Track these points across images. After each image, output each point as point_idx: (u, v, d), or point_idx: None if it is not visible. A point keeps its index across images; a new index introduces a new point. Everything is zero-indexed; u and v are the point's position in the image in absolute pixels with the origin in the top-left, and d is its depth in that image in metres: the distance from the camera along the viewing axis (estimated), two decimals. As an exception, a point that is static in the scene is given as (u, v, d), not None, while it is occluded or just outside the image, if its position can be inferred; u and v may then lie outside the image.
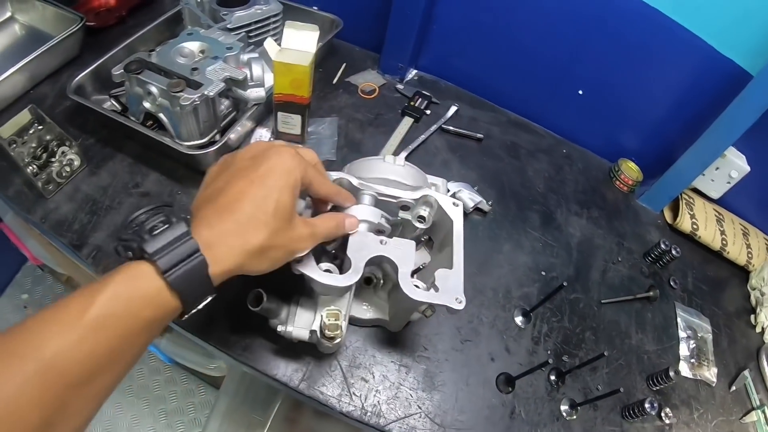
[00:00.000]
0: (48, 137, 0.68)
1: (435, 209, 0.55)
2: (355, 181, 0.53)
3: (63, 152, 0.69)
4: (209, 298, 0.36)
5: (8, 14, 0.91)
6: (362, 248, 0.48)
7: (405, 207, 0.55)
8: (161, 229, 0.34)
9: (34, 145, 0.67)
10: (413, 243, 0.50)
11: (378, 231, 0.52)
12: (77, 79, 0.73)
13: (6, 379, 0.27)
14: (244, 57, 0.70)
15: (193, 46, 0.71)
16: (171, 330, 0.92)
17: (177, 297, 0.33)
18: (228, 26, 0.77)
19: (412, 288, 0.47)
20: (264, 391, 0.80)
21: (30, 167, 0.66)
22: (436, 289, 0.48)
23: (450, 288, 0.48)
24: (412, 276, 0.53)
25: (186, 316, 0.36)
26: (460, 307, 0.47)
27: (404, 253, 0.49)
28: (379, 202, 0.54)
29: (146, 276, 0.32)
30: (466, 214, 0.72)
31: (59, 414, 0.29)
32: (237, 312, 0.58)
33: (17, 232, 1.15)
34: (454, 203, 0.54)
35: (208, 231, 0.35)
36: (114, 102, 0.77)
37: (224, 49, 0.69)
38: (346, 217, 0.48)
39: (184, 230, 0.34)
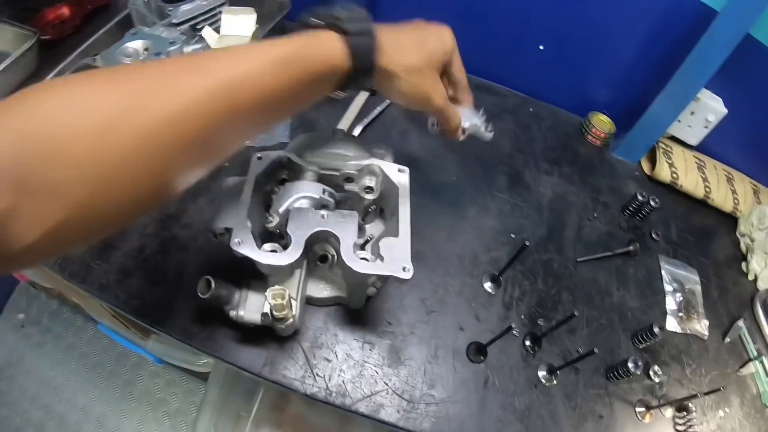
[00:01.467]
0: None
1: (381, 178, 0.53)
2: (294, 158, 0.52)
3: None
4: (368, 83, 0.42)
5: (-35, 38, 0.91)
6: (303, 224, 0.47)
7: (349, 179, 0.54)
8: (350, 12, 0.39)
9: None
10: (355, 214, 0.49)
11: (321, 206, 0.51)
12: (31, 92, 0.73)
13: (191, 82, 0.30)
14: (188, 49, 0.70)
15: (136, 44, 0.70)
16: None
17: (351, 61, 0.38)
18: (173, 21, 0.76)
19: (355, 260, 0.46)
20: (248, 381, 0.80)
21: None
22: (383, 260, 0.47)
23: (397, 257, 0.47)
24: (362, 248, 0.52)
25: (345, 90, 0.42)
26: (408, 276, 0.46)
27: (346, 226, 0.48)
28: (322, 177, 0.53)
29: (331, 37, 0.38)
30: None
31: (217, 133, 0.32)
32: (198, 303, 0.57)
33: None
34: (399, 169, 0.53)
35: (382, 34, 0.40)
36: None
37: (167, 44, 0.69)
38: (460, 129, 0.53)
39: (366, 15, 0.40)
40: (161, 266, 0.60)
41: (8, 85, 0.81)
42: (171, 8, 0.78)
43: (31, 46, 0.80)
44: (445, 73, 0.49)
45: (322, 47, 0.37)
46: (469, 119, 0.55)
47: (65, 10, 0.94)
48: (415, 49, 0.44)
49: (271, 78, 0.33)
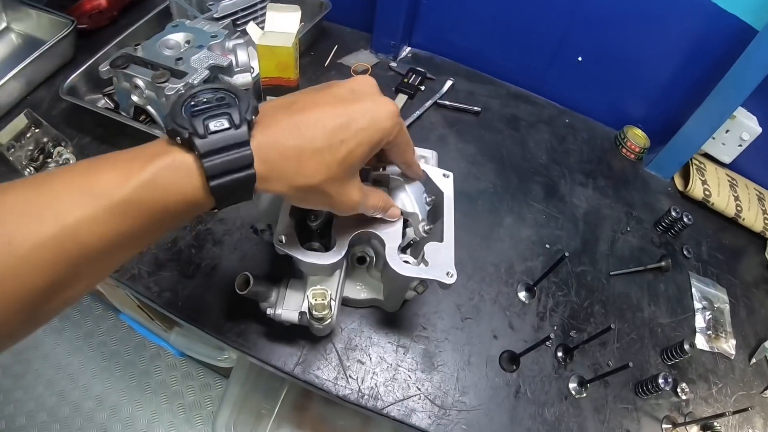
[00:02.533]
0: (44, 139, 0.70)
1: (425, 181, 0.53)
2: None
3: (59, 152, 0.70)
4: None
5: (4, 24, 0.92)
6: (347, 225, 0.47)
7: (394, 182, 0.53)
8: (220, 127, 0.30)
9: (31, 148, 0.69)
10: (401, 217, 0.49)
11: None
12: (69, 80, 0.74)
13: (23, 237, 0.26)
14: (230, 44, 0.70)
15: (178, 37, 0.70)
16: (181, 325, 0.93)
17: (213, 200, 0.31)
18: (215, 16, 0.76)
19: (400, 264, 0.45)
20: (271, 379, 0.80)
21: (27, 170, 0.67)
22: (427, 264, 0.46)
23: (440, 262, 0.46)
24: (403, 251, 0.52)
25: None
26: (451, 281, 0.45)
27: (391, 229, 0.48)
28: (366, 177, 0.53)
29: (189, 173, 0.30)
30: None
31: (68, 280, 0.28)
32: (231, 298, 0.57)
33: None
34: (444, 174, 0.53)
35: (268, 145, 0.32)
36: (107, 100, 0.78)
37: (209, 37, 0.69)
38: (393, 205, 0.45)
39: (244, 138, 0.30)
40: (195, 260, 0.60)
41: (44, 72, 0.82)
42: (212, 2, 0.78)
43: (67, 34, 0.81)
44: (382, 154, 0.41)
45: (175, 187, 0.30)
46: (408, 205, 0.49)
47: (103, 1, 0.95)
48: (320, 160, 0.33)
49: (117, 224, 0.29)
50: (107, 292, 1.03)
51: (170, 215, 0.30)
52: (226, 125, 0.30)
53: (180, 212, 0.31)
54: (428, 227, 0.50)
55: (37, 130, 0.70)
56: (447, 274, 0.46)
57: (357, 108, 0.34)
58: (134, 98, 0.67)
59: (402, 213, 0.48)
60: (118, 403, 1.26)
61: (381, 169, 0.48)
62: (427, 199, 0.51)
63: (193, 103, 0.32)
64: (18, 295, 0.27)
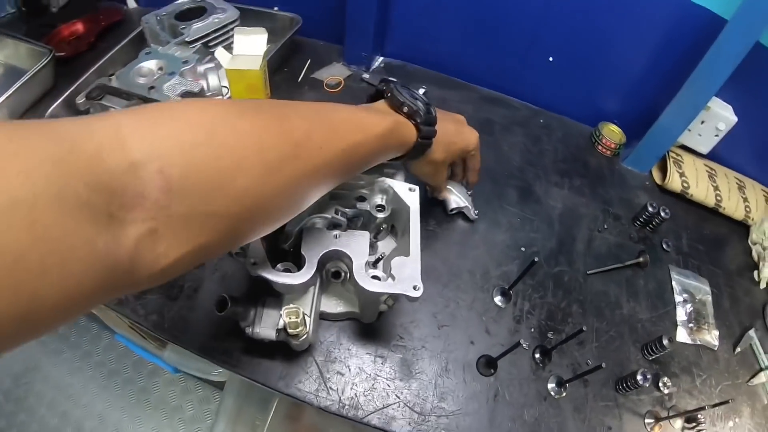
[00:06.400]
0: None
1: (392, 196, 0.54)
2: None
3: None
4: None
5: (-17, 55, 0.94)
6: (316, 244, 0.48)
7: (361, 198, 0.55)
8: (427, 108, 0.51)
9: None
10: (367, 234, 0.50)
11: (334, 225, 0.52)
12: (50, 110, 0.75)
13: (331, 146, 0.38)
14: (201, 68, 0.71)
15: (151, 64, 0.72)
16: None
17: (415, 147, 0.51)
18: (186, 39, 0.77)
19: (366, 280, 0.47)
20: (263, 391, 0.81)
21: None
22: (393, 278, 0.47)
23: (407, 276, 0.48)
24: (374, 265, 0.54)
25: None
26: (418, 294, 0.46)
27: (358, 246, 0.49)
28: (334, 197, 0.54)
29: (411, 128, 0.50)
30: (448, 215, 0.71)
31: (332, 181, 0.41)
32: (213, 318, 0.58)
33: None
34: (410, 188, 0.54)
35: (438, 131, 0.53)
36: (88, 127, 0.79)
37: (180, 63, 0.70)
38: (444, 189, 0.69)
39: (435, 122, 0.52)
40: (178, 282, 0.62)
41: (25, 102, 0.83)
42: (184, 26, 0.79)
43: (46, 63, 0.82)
44: (462, 161, 0.66)
45: (405, 132, 0.49)
46: (460, 201, 0.69)
47: (80, 27, 0.96)
48: (443, 148, 0.56)
49: (375, 146, 0.44)
50: (101, 314, 1.04)
51: (397, 149, 0.50)
52: (426, 109, 0.50)
53: (401, 145, 0.49)
54: (476, 212, 0.72)
55: (20, 161, 0.71)
56: (413, 287, 0.47)
57: (464, 129, 0.61)
58: (110, 127, 0.68)
59: (456, 207, 0.70)
60: (120, 420, 1.28)
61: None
62: (470, 192, 0.73)
63: (402, 89, 0.51)
64: (317, 187, 0.39)
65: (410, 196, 0.53)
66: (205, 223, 0.28)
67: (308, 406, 0.56)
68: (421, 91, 0.89)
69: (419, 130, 0.50)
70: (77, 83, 0.78)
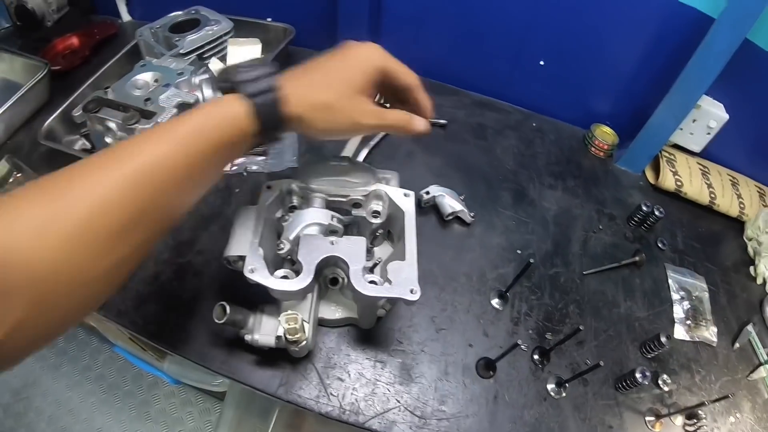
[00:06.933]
0: (27, 184, 0.71)
1: (387, 202, 0.55)
2: (301, 186, 0.53)
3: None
4: (279, 138, 0.43)
5: (-21, 68, 0.94)
6: (313, 250, 0.49)
7: (357, 204, 0.55)
8: (253, 71, 0.40)
9: (14, 194, 0.70)
10: (363, 240, 0.50)
11: (330, 231, 0.52)
12: (47, 123, 0.75)
13: (105, 176, 0.33)
14: (196, 80, 0.71)
15: (146, 76, 0.72)
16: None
17: (256, 121, 0.39)
18: (181, 51, 0.78)
19: (364, 284, 0.47)
20: (264, 400, 0.81)
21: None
22: (390, 283, 0.48)
23: (403, 280, 0.48)
24: (371, 271, 0.54)
25: (260, 148, 0.43)
26: (415, 297, 0.47)
27: (354, 251, 0.49)
28: (331, 204, 0.54)
29: (233, 101, 0.38)
30: (444, 220, 0.72)
31: (143, 216, 0.34)
32: (213, 326, 0.59)
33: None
34: (405, 194, 0.54)
35: (286, 81, 0.41)
36: (85, 140, 0.80)
37: (175, 75, 0.71)
38: (416, 117, 0.49)
39: (269, 70, 0.40)
40: (177, 292, 0.62)
41: (22, 116, 0.84)
42: (178, 38, 0.80)
43: (42, 77, 0.83)
44: (388, 86, 0.47)
45: (226, 114, 0.38)
46: (455, 205, 0.66)
47: (75, 41, 0.97)
48: (326, 83, 0.42)
49: (181, 156, 0.35)
50: (100, 326, 1.04)
51: (223, 143, 0.38)
52: (257, 71, 0.40)
53: (230, 140, 0.38)
54: (472, 214, 0.70)
55: (19, 175, 0.71)
56: (411, 291, 0.47)
57: (348, 50, 0.45)
58: (108, 140, 0.69)
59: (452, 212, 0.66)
60: (120, 434, 1.27)
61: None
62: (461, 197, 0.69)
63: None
64: (110, 230, 0.33)
65: (405, 201, 0.54)
66: (12, 297, 0.29)
67: (309, 416, 0.56)
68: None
69: (249, 98, 0.39)
70: (73, 96, 0.78)
